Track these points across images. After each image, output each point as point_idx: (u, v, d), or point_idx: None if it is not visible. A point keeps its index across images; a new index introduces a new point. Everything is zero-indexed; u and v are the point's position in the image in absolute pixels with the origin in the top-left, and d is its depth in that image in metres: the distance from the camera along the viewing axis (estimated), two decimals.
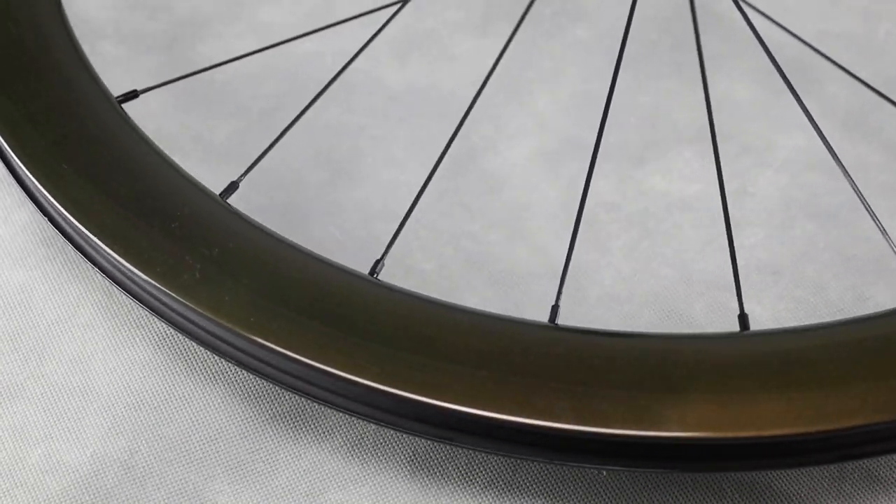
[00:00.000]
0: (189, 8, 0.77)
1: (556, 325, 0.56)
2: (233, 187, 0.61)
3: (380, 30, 0.66)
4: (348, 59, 0.74)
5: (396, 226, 0.66)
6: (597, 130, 0.70)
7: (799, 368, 0.53)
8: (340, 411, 0.55)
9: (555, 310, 0.56)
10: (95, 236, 0.57)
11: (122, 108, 0.63)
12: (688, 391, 0.52)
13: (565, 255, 0.65)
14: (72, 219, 0.58)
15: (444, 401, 0.53)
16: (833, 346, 0.54)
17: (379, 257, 0.58)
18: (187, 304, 0.56)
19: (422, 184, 0.68)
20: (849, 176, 0.60)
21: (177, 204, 0.59)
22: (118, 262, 0.57)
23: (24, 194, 0.61)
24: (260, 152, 0.69)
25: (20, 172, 0.61)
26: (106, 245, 0.57)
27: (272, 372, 0.55)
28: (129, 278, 0.58)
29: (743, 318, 0.56)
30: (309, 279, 0.57)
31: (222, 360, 0.57)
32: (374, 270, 0.58)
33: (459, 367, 0.53)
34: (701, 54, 0.65)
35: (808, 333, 0.55)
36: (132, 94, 0.64)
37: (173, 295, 0.56)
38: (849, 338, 0.54)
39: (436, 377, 0.53)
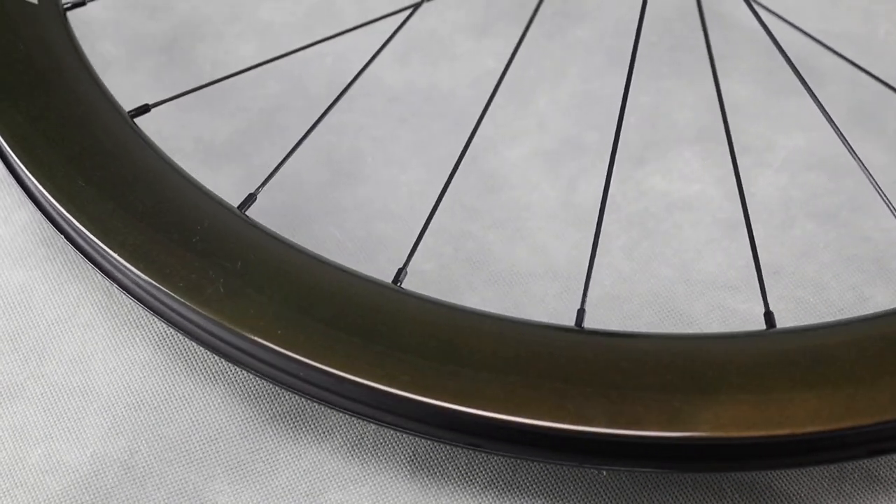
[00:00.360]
0: (189, 8, 0.77)
1: (583, 328, 0.56)
2: (251, 199, 0.61)
3: (391, 36, 0.66)
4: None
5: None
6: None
7: (828, 365, 0.53)
8: (371, 422, 0.55)
9: (580, 314, 0.56)
10: (116, 253, 0.57)
11: (134, 122, 0.63)
12: (720, 391, 0.52)
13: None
14: (92, 236, 0.58)
15: (477, 408, 0.52)
16: (860, 341, 0.54)
17: (402, 265, 0.58)
18: (212, 318, 0.55)
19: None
20: (859, 160, 0.61)
21: (196, 218, 0.58)
22: (140, 278, 0.57)
23: (41, 212, 0.61)
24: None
25: (34, 189, 0.60)
26: (127, 262, 0.57)
27: (300, 384, 0.55)
28: (151, 294, 0.57)
29: (769, 316, 0.56)
30: (333, 289, 0.56)
31: (249, 374, 0.57)
32: (397, 279, 0.58)
33: (489, 374, 0.53)
34: (711, 55, 0.65)
35: (835, 329, 0.55)
36: (143, 109, 0.64)
37: (198, 310, 0.55)
38: (875, 333, 0.54)
39: (466, 384, 0.53)
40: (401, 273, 0.58)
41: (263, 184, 0.61)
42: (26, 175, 0.60)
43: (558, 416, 0.52)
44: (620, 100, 0.71)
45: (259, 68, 0.71)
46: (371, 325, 0.55)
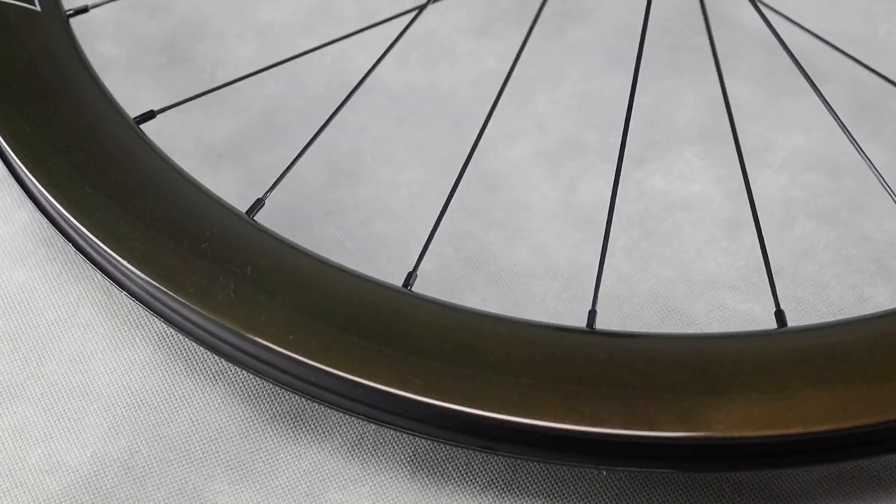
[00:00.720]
0: (189, 8, 0.77)
1: (594, 329, 0.56)
2: (259, 204, 0.61)
3: (396, 40, 0.66)
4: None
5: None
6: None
7: (841, 363, 0.53)
8: (385, 426, 0.55)
9: (592, 314, 0.56)
10: (125, 260, 0.57)
11: (140, 128, 0.63)
12: (732, 391, 0.52)
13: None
14: (100, 243, 0.58)
15: (490, 411, 0.52)
16: (873, 338, 0.54)
17: (411, 269, 0.58)
18: (223, 324, 0.55)
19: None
20: (863, 152, 0.61)
21: (204, 224, 0.58)
22: (150, 284, 0.56)
23: (49, 221, 0.61)
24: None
25: (41, 197, 0.60)
26: (137, 269, 0.57)
27: (313, 389, 0.55)
28: (161, 301, 0.57)
29: (780, 315, 0.56)
30: (344, 294, 0.56)
31: (263, 380, 0.57)
32: (407, 282, 0.58)
33: (502, 377, 0.53)
34: (716, 56, 0.65)
35: (847, 327, 0.55)
36: (149, 115, 0.64)
37: (209, 316, 0.55)
38: (889, 330, 0.54)
39: (480, 387, 0.53)
40: (411, 277, 0.58)
41: (271, 188, 0.61)
42: (33, 183, 0.60)
43: (572, 418, 0.52)
44: (620, 100, 0.71)
45: (259, 69, 0.71)
46: (383, 329, 0.55)
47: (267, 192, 0.61)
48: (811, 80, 0.63)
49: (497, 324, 0.56)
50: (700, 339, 0.55)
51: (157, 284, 0.56)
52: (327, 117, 0.63)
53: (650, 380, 0.53)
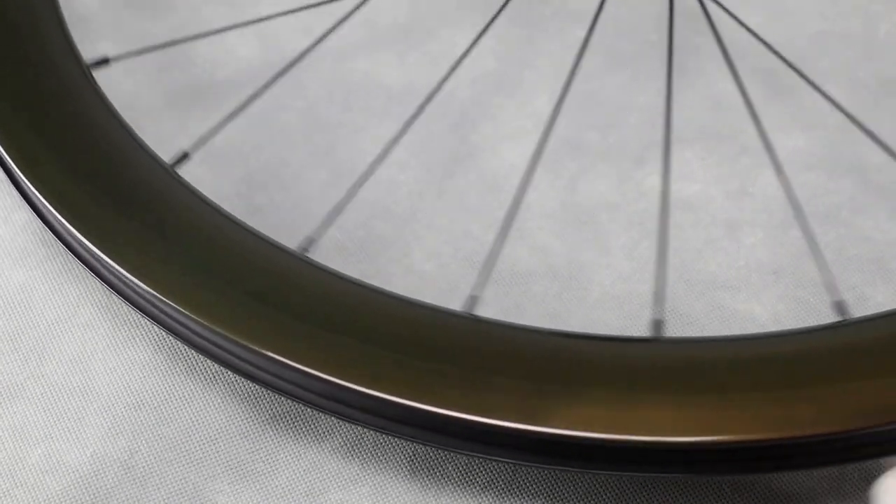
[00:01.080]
0: (189, 8, 0.77)
1: (474, 315, 0.56)
2: (184, 157, 0.62)
3: (352, 12, 0.67)
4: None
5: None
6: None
7: (698, 378, 0.53)
8: (260, 385, 0.56)
9: (473, 300, 0.57)
10: (66, 220, 0.59)
11: (92, 74, 0.64)
12: (584, 390, 0.53)
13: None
14: (36, 191, 0.60)
15: (344, 379, 0.53)
16: (734, 358, 0.54)
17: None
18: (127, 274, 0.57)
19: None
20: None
21: (127, 174, 0.60)
22: (98, 254, 0.58)
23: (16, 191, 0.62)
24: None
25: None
26: (87, 239, 0.58)
27: (199, 342, 0.57)
28: (95, 258, 0.59)
29: (657, 325, 0.56)
30: (240, 251, 0.58)
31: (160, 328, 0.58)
32: (306, 248, 0.59)
33: (367, 347, 0.54)
34: (671, 45, 0.65)
35: (716, 345, 0.55)
36: (103, 61, 0.66)
37: (121, 269, 0.57)
38: (754, 353, 0.54)
39: (339, 354, 0.54)
40: (311, 242, 0.59)
41: (202, 142, 0.64)
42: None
43: (420, 397, 0.53)
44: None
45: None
46: (269, 288, 0.56)
47: (195, 146, 0.63)
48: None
49: (381, 299, 0.57)
50: (570, 337, 0.56)
51: (103, 256, 0.58)
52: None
53: (508, 369, 0.53)
